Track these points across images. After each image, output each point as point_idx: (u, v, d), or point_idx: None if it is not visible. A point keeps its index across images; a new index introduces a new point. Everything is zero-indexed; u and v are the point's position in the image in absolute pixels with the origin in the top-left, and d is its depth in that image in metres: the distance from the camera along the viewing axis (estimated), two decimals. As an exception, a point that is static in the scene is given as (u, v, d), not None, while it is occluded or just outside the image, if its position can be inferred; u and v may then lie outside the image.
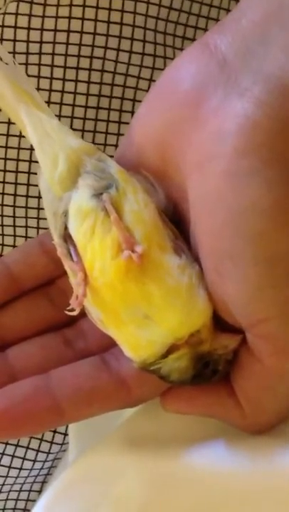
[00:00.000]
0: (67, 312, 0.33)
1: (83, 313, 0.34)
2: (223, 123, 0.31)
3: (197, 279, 0.32)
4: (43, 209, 0.43)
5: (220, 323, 0.32)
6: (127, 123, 0.43)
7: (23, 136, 0.42)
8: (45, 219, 0.43)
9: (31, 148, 0.43)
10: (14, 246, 0.44)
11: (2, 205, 0.43)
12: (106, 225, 0.32)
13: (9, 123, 0.43)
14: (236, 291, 0.31)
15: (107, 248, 0.32)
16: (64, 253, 0.34)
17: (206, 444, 0.33)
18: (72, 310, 0.33)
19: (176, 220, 0.33)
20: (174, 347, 0.32)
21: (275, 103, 0.30)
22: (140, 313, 0.32)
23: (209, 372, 0.32)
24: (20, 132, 0.42)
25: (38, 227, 0.44)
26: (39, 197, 0.43)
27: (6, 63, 0.36)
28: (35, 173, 0.43)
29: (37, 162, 0.42)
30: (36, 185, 0.43)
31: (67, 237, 0.34)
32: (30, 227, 0.44)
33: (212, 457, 0.33)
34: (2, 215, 0.44)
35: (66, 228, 0.34)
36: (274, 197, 0.30)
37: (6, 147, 0.43)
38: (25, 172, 0.43)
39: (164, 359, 0.32)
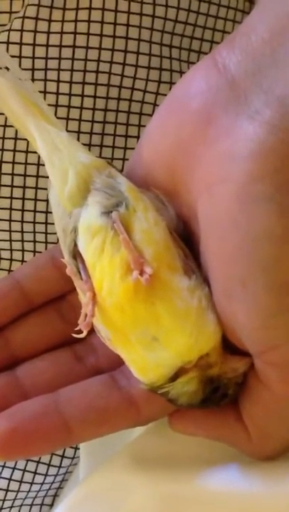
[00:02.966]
0: (74, 335, 0.33)
1: (93, 329, 0.34)
2: (233, 145, 0.31)
3: (207, 302, 0.31)
4: (50, 224, 0.44)
5: (228, 346, 0.32)
6: (134, 137, 0.43)
7: (30, 152, 0.43)
8: (54, 234, 0.43)
9: (38, 164, 0.43)
10: (23, 261, 0.44)
11: (10, 220, 0.43)
12: (115, 244, 0.32)
13: (16, 138, 0.42)
14: (246, 317, 0.30)
15: (116, 268, 0.32)
16: (73, 272, 0.34)
17: (217, 464, 0.33)
18: (80, 332, 0.33)
19: (186, 239, 0.33)
20: (183, 370, 0.32)
21: (288, 128, 0.30)
22: (148, 335, 0.31)
23: (219, 396, 0.32)
24: (27, 147, 0.43)
25: (46, 242, 0.44)
26: (47, 212, 0.43)
27: (20, 78, 0.36)
28: (43, 188, 0.43)
29: (44, 177, 0.43)
30: (44, 200, 0.43)
31: (76, 255, 0.34)
32: (38, 241, 0.44)
33: (223, 478, 0.33)
34: (10, 231, 0.44)
35: (76, 245, 0.34)
36: (288, 223, 0.30)
37: (13, 162, 0.43)
38: (32, 187, 0.43)
39: (172, 382, 0.32)
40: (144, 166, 0.34)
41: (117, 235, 0.32)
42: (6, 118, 0.42)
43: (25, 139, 0.42)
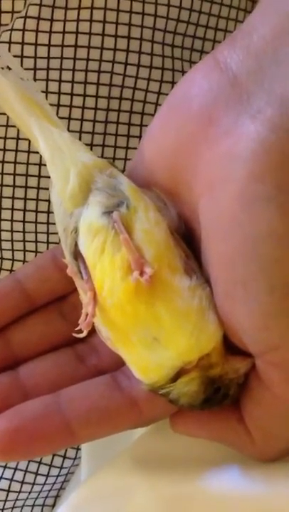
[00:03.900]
0: (75, 334, 0.33)
1: (95, 329, 0.34)
2: (235, 145, 0.30)
3: (207, 302, 0.31)
4: (52, 224, 0.44)
5: (230, 346, 0.32)
6: (136, 136, 0.43)
7: (32, 152, 0.43)
8: (55, 233, 0.43)
9: (40, 164, 0.43)
10: (24, 261, 0.44)
11: (12, 220, 0.43)
12: (116, 244, 0.32)
13: (18, 138, 0.42)
14: (248, 318, 0.30)
15: (117, 268, 0.32)
16: (74, 272, 0.34)
17: (219, 465, 0.33)
18: (81, 331, 0.33)
19: (187, 239, 0.33)
20: (184, 370, 0.31)
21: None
22: (149, 336, 0.31)
23: (220, 397, 0.32)
24: (29, 147, 0.43)
25: (47, 242, 0.44)
26: (48, 212, 0.43)
27: (22, 78, 0.36)
28: (45, 188, 0.43)
29: (46, 177, 0.43)
30: (45, 200, 0.43)
31: (77, 255, 0.33)
32: (40, 241, 0.44)
33: (225, 479, 0.32)
34: (12, 231, 0.44)
35: (76, 245, 0.33)
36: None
37: (15, 162, 0.43)
38: (34, 187, 0.43)
39: (173, 383, 0.32)
40: (145, 165, 0.34)
41: (118, 234, 0.32)
42: (7, 118, 0.42)
43: (27, 139, 0.42)
